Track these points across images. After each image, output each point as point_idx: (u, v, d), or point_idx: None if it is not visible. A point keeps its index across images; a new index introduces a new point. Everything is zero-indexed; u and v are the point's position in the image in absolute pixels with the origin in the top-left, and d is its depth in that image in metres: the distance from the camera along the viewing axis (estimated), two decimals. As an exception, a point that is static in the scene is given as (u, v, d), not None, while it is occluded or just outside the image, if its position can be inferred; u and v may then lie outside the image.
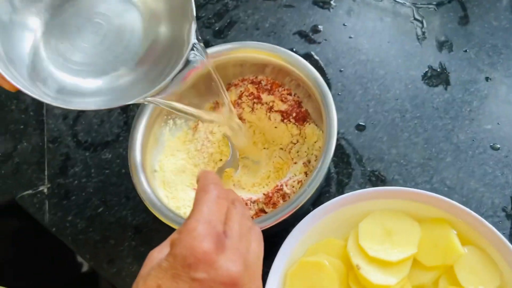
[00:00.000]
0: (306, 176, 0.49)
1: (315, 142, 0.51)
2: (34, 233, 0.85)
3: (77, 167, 0.60)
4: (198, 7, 0.69)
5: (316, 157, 0.50)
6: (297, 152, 0.52)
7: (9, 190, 0.61)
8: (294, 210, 0.43)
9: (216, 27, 0.67)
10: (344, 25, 0.62)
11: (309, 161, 0.50)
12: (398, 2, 0.62)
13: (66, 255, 1.00)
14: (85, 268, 1.04)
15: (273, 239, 0.49)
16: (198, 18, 0.68)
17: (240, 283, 0.31)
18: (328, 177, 0.53)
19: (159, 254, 0.32)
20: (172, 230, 0.39)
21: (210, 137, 0.55)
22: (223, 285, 0.30)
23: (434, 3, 0.61)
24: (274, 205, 0.48)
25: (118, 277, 0.53)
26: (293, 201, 0.43)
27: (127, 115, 0.62)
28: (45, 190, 0.60)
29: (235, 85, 0.56)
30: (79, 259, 1.04)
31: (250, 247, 0.33)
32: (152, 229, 0.54)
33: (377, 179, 0.52)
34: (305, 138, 0.52)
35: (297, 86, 0.52)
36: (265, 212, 0.48)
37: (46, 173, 0.61)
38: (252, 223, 0.36)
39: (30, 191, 0.60)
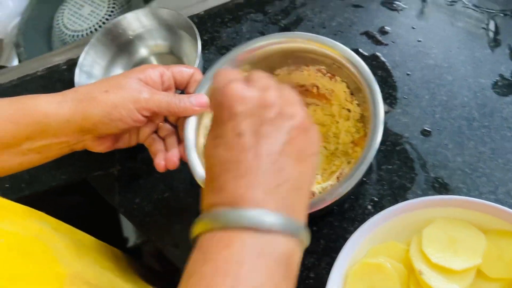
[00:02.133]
0: (338, 180, 0.50)
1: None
2: (86, 210, 0.91)
3: (145, 153, 0.63)
4: (266, 3, 0.71)
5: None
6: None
7: (81, 170, 0.65)
8: (327, 204, 0.44)
9: (282, 24, 0.68)
10: (413, 28, 0.62)
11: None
12: (471, 6, 0.62)
13: (114, 230, 1.06)
14: (130, 243, 1.10)
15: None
16: (264, 13, 0.70)
17: (279, 103, 0.33)
18: (390, 180, 0.54)
19: None
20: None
21: None
22: (264, 108, 0.32)
23: (509, 10, 0.60)
24: None
25: (182, 260, 0.56)
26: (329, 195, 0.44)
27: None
28: (115, 172, 0.64)
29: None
30: (125, 234, 1.09)
31: (284, 91, 0.35)
32: (215, 217, 0.57)
33: (440, 186, 0.52)
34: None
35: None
36: None
37: (116, 157, 0.65)
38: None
39: (101, 172, 0.64)
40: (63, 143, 0.49)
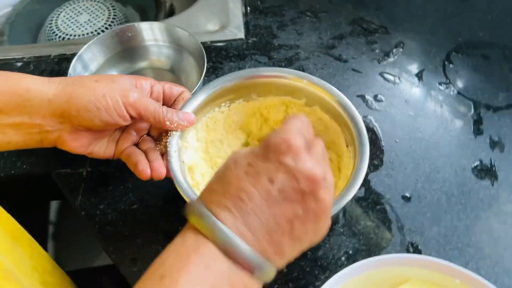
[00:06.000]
0: None
1: None
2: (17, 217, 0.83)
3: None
4: (272, 49, 0.73)
5: None
6: None
7: (48, 163, 0.61)
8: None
9: (284, 70, 0.70)
10: (405, 101, 0.66)
11: None
12: (461, 94, 0.67)
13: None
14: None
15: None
16: (269, 58, 0.72)
17: (320, 184, 0.33)
18: (367, 237, 0.54)
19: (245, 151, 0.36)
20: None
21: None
22: (306, 179, 0.33)
23: (494, 105, 0.65)
24: None
25: (136, 278, 0.52)
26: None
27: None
28: (84, 173, 0.60)
29: None
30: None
31: (329, 174, 0.36)
32: (183, 239, 0.54)
33: (414, 251, 0.52)
34: None
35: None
36: None
37: (88, 158, 0.61)
38: None
39: (68, 170, 0.60)
40: (36, 126, 0.46)
